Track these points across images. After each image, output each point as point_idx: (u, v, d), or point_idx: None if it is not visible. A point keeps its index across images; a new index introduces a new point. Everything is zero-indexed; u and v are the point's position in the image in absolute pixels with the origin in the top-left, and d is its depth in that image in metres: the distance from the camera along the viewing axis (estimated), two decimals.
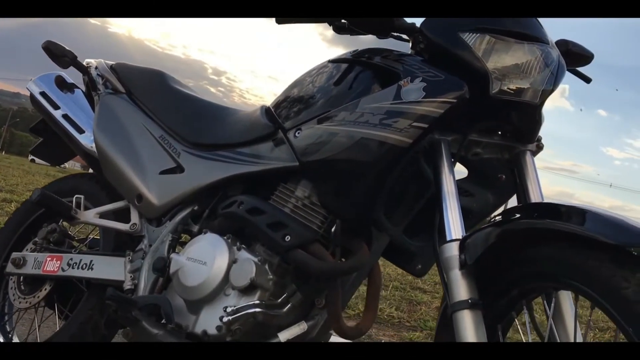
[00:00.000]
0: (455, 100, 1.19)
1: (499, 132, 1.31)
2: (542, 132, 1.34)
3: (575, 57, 1.43)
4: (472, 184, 1.43)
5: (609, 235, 0.90)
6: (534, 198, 1.26)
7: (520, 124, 1.26)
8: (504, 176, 1.40)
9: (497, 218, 1.12)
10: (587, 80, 1.55)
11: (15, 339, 1.91)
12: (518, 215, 1.06)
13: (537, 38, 1.22)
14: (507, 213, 1.12)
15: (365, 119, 1.25)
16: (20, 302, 1.82)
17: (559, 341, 1.09)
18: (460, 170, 1.44)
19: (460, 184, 1.42)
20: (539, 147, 1.34)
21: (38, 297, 1.79)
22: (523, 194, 1.29)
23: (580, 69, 1.54)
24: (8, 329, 1.92)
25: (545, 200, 1.21)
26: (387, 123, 1.22)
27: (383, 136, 1.22)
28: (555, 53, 1.25)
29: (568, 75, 1.42)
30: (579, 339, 1.04)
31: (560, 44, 1.38)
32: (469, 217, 1.41)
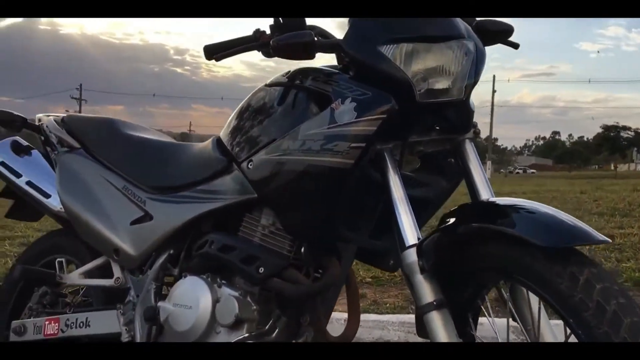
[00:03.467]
0: (385, 115, 1.24)
1: (436, 128, 1.36)
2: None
3: (496, 34, 1.45)
4: (425, 173, 1.48)
5: (539, 238, 0.98)
6: (479, 182, 1.32)
7: (452, 119, 1.31)
8: (452, 159, 1.45)
9: (447, 220, 1.17)
10: (515, 46, 1.59)
11: None
12: (466, 217, 1.12)
13: (452, 35, 1.26)
14: (456, 214, 1.18)
15: (307, 147, 1.30)
16: None
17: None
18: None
19: (414, 175, 1.48)
20: (477, 133, 1.39)
21: None
22: (469, 180, 1.35)
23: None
24: None
25: (490, 199, 1.27)
26: (328, 148, 1.27)
27: (327, 161, 1.27)
28: (471, 44, 1.28)
29: None
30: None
31: (478, 27, 1.39)
32: (428, 206, 1.47)
